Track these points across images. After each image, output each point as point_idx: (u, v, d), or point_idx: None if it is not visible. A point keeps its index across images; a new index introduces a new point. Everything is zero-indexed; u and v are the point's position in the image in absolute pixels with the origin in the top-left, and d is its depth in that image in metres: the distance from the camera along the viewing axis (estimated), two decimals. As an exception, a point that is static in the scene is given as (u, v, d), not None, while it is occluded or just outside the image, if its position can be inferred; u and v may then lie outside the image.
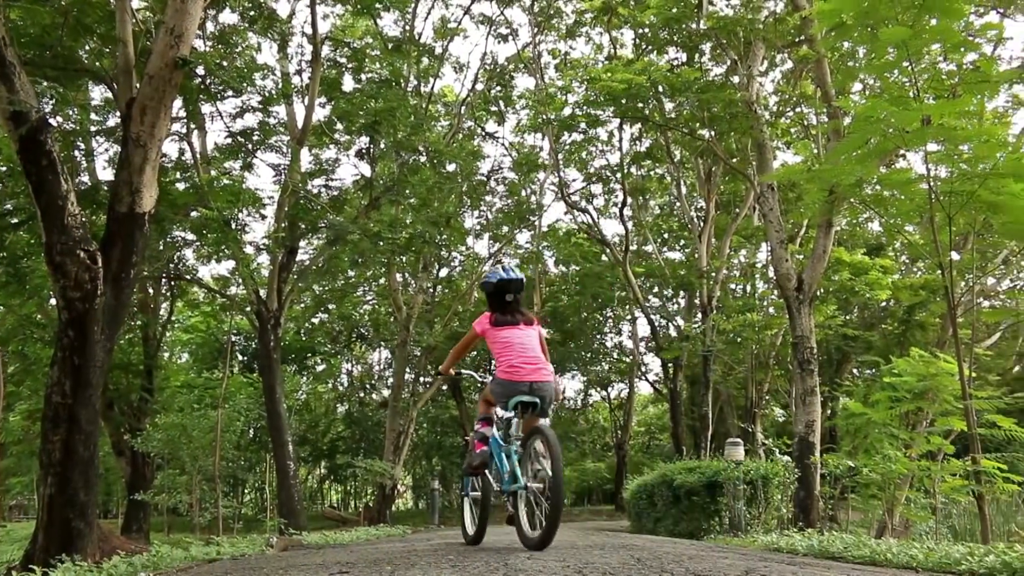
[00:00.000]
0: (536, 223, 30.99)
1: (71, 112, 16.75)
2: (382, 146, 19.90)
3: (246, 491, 35.76)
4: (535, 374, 5.99)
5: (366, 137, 20.04)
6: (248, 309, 20.37)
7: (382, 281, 29.02)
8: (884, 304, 29.17)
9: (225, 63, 16.15)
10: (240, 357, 34.29)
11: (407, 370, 27.57)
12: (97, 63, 14.37)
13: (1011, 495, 10.88)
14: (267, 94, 17.88)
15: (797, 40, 17.81)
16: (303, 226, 19.84)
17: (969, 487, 8.68)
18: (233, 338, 29.96)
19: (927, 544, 6.19)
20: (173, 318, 27.82)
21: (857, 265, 23.96)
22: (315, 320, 34.37)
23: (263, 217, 20.01)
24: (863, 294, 24.17)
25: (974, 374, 11.17)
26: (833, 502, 13.54)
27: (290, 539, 9.90)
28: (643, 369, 34.79)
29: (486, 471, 6.25)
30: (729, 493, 11.29)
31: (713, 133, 19.87)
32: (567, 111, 23.44)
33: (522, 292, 6.58)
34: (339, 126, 20.84)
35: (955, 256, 11.55)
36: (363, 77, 21.09)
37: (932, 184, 6.91)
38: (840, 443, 14.30)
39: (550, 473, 5.20)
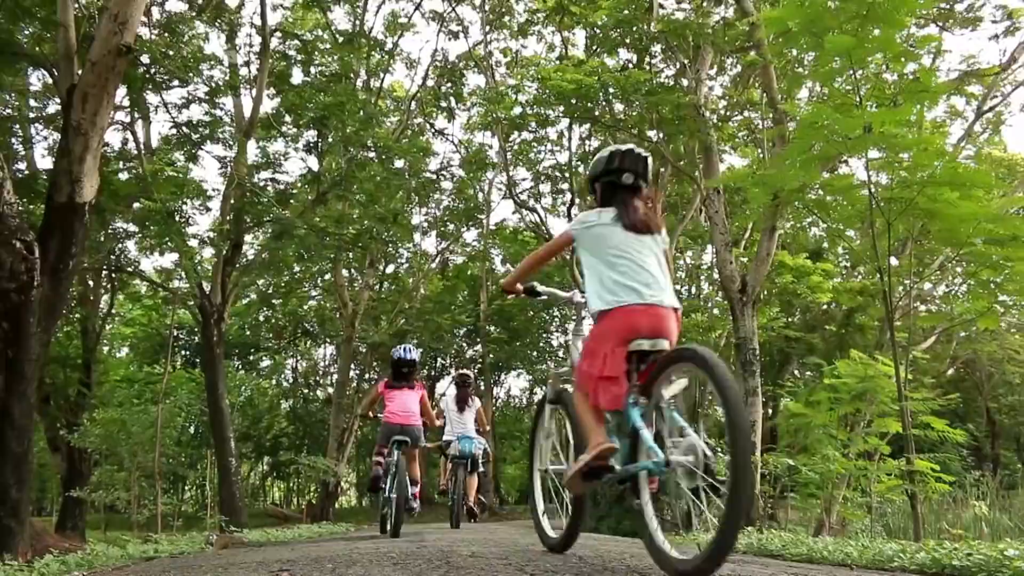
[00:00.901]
0: (484, 221, 31.00)
1: (8, 97, 16.35)
2: (331, 140, 19.74)
3: (187, 488, 35.17)
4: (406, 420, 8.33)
5: (314, 131, 19.87)
6: (191, 303, 20.05)
7: (328, 277, 28.77)
8: (825, 307, 29.75)
9: (171, 52, 15.90)
10: (183, 352, 33.76)
11: (352, 367, 27.41)
12: (37, 48, 14.03)
13: (942, 494, 11.17)
14: (214, 85, 17.64)
15: (745, 46, 18.05)
16: (249, 220, 19.61)
17: (903, 487, 8.89)
18: (175, 332, 29.47)
19: (862, 542, 6.33)
20: (113, 311, 27.25)
21: (799, 268, 24.38)
22: (260, 315, 33.94)
23: (208, 210, 19.78)
24: (805, 297, 24.62)
25: (910, 376, 11.42)
26: (773, 501, 13.76)
27: (231, 537, 9.77)
28: (588, 368, 34.90)
29: None
30: (671, 492, 11.38)
31: (661, 135, 20.03)
32: (517, 110, 23.46)
33: (415, 366, 8.96)
34: (287, 119, 20.62)
35: (894, 261, 11.81)
36: (312, 70, 20.92)
37: (873, 190, 7.05)
38: (781, 443, 14.54)
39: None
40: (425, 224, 29.04)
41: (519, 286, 4.86)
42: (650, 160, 4.44)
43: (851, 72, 6.75)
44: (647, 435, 3.64)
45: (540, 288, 4.96)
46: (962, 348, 30.89)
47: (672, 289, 4.12)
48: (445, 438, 10.81)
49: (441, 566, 4.12)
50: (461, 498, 10.27)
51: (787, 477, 11.24)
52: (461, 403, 10.94)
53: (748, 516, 4.70)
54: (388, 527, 8.18)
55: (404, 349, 9.12)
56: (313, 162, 21.05)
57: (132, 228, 18.37)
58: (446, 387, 10.82)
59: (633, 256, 4.06)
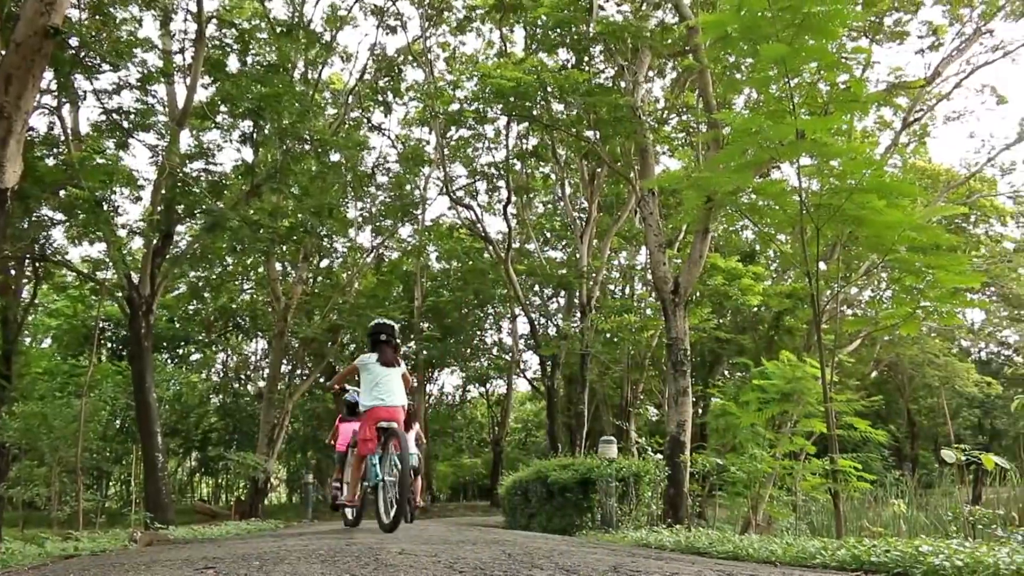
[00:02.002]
0: (420, 217, 30.90)
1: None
2: (266, 132, 19.44)
3: (111, 484, 34.44)
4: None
5: (250, 122, 19.55)
6: (119, 294, 19.57)
7: (261, 270, 28.39)
8: (755, 309, 30.32)
9: (102, 35, 15.49)
10: (109, 344, 32.98)
11: (284, 361, 27.11)
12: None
13: (864, 493, 11.47)
14: (147, 71, 17.23)
15: (683, 50, 18.27)
16: (180, 210, 19.23)
17: (827, 485, 9.10)
18: (102, 324, 28.76)
19: (786, 539, 6.47)
20: (37, 301, 26.48)
21: (731, 271, 24.84)
22: (190, 308, 33.31)
23: (138, 199, 19.33)
24: (736, 299, 25.07)
25: (836, 378, 11.72)
26: (701, 499, 13.98)
27: (156, 534, 9.57)
28: (522, 366, 35.11)
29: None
30: (602, 490, 11.48)
31: (598, 136, 20.19)
32: (455, 106, 23.42)
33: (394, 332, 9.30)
34: (222, 109, 20.26)
35: (822, 266, 12.08)
36: (249, 60, 20.58)
37: (803, 196, 7.20)
38: (710, 442, 14.77)
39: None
40: (360, 219, 28.80)
41: (337, 387, 9.76)
42: (395, 326, 8.62)
43: (785, 80, 6.88)
44: (376, 467, 7.90)
45: (348, 388, 9.78)
46: (885, 351, 31.83)
47: (403, 395, 8.13)
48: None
49: (370, 563, 4.10)
50: (410, 498, 10.96)
51: (715, 476, 11.42)
52: (407, 425, 10.86)
53: (412, 505, 9.86)
54: (354, 517, 8.90)
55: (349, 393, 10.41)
56: (248, 153, 20.74)
57: (58, 216, 17.86)
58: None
59: (383, 380, 8.03)
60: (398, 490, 7.27)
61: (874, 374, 33.21)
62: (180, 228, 21.17)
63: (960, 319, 29.50)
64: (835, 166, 7.25)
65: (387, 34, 26.42)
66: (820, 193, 7.23)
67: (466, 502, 39.08)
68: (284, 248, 23.38)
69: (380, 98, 26.46)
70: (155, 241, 18.80)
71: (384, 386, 7.96)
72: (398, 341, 8.64)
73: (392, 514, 7.40)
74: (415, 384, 10.77)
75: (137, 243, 20.98)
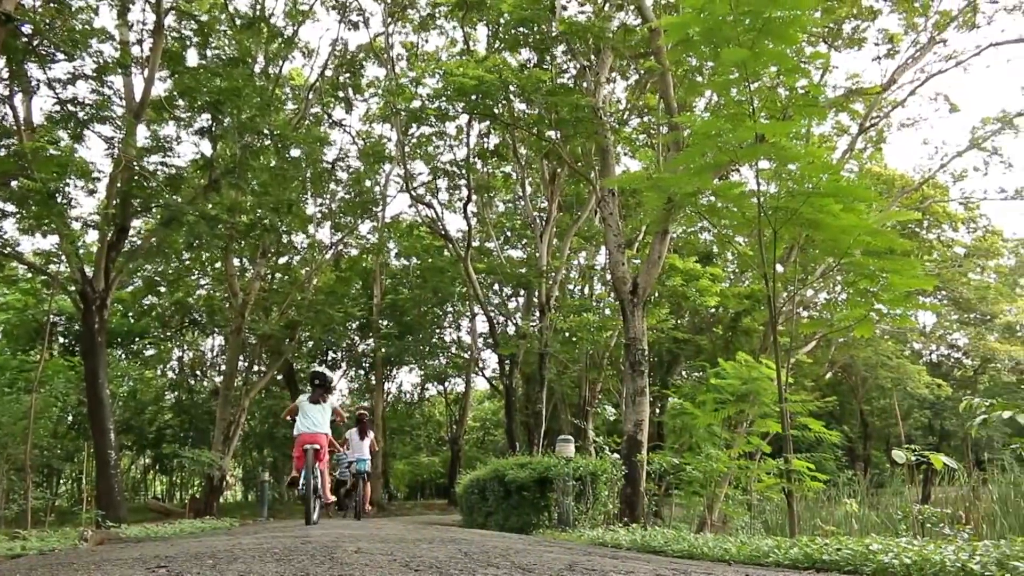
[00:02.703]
0: (379, 214, 30.75)
1: None
2: (225, 126, 19.22)
3: (62, 482, 33.85)
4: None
5: (208, 115, 19.32)
6: (72, 288, 19.22)
7: (218, 265, 28.07)
8: (713, 310, 30.61)
9: (57, 23, 15.21)
10: (61, 339, 32.39)
11: (241, 358, 26.84)
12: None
13: (817, 492, 11.63)
14: (103, 62, 16.95)
15: (644, 52, 18.37)
16: (136, 204, 18.94)
17: (781, 485, 9.21)
18: (54, 318, 28.26)
19: (741, 538, 6.54)
20: (-15, 294, 25.96)
21: (689, 272, 25.05)
22: (146, 302, 32.83)
23: (93, 192, 19.00)
24: (694, 300, 25.28)
25: (791, 379, 11.86)
26: (658, 498, 14.07)
27: (107, 532, 9.46)
28: (480, 365, 35.10)
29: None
30: (559, 489, 11.53)
31: (559, 135, 20.24)
32: (417, 103, 23.34)
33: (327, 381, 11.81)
34: (180, 102, 19.98)
35: (779, 268, 12.22)
36: (209, 53, 20.33)
37: (762, 199, 7.28)
38: (667, 441, 14.86)
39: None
40: (319, 215, 28.61)
41: (286, 417, 11.73)
42: (327, 372, 12.03)
43: (746, 84, 6.94)
44: (304, 477, 10.61)
45: (298, 420, 11.05)
46: (840, 353, 32.28)
47: (326, 425, 10.92)
48: (349, 458, 15.16)
49: (324, 562, 4.08)
50: (362, 499, 14.94)
51: (672, 475, 11.52)
52: (361, 434, 15.34)
53: (320, 504, 11.10)
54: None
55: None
56: (206, 147, 20.49)
57: (9, 208, 17.49)
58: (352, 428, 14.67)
59: (310, 413, 10.85)
60: (317, 493, 10.71)
61: (829, 375, 33.66)
62: (136, 222, 20.86)
63: (912, 322, 30.00)
64: (793, 170, 7.33)
65: (350, 30, 26.19)
66: (778, 196, 7.31)
67: (424, 500, 39.01)
68: (242, 244, 23.13)
69: (341, 94, 26.29)
70: (110, 235, 18.49)
71: (310, 418, 10.91)
72: (332, 385, 12.38)
73: (316, 510, 10.66)
74: (345, 415, 13.22)
75: (92, 236, 20.62)
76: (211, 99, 18.19)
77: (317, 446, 10.69)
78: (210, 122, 19.49)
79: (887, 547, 4.52)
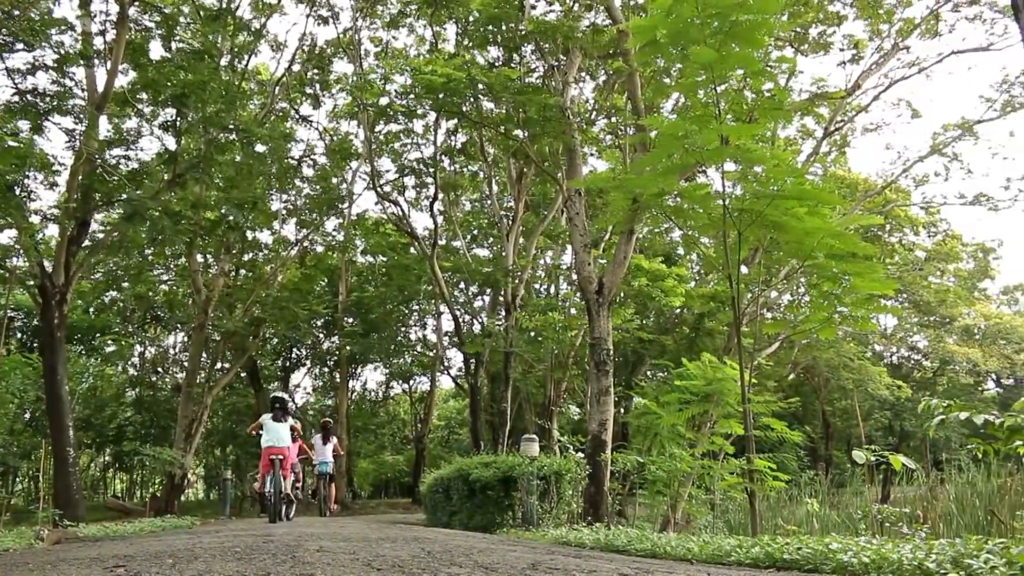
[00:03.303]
0: (346, 211, 30.58)
1: None
2: (190, 120, 18.99)
3: (18, 480, 33.31)
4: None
5: (173, 109, 19.08)
6: (31, 283, 18.89)
7: (182, 260, 27.74)
8: (677, 310, 30.80)
9: (17, 12, 14.94)
10: (19, 335, 31.88)
11: (204, 355, 26.56)
12: None
13: (779, 492, 11.74)
14: (64, 53, 16.69)
15: (612, 52, 18.43)
16: (98, 198, 18.67)
17: (743, 485, 9.29)
18: (11, 314, 27.77)
19: (704, 537, 6.59)
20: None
21: (655, 272, 25.19)
22: (107, 298, 32.37)
23: (54, 185, 18.71)
24: (659, 300, 25.42)
25: (755, 380, 11.97)
26: (622, 497, 14.13)
27: (64, 531, 9.32)
28: (445, 363, 35.04)
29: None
30: (523, 488, 11.54)
31: (526, 134, 20.24)
32: (384, 100, 23.22)
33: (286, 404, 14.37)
34: (144, 95, 19.72)
35: (744, 270, 12.31)
36: (173, 46, 20.06)
37: (727, 201, 7.33)
38: (631, 441, 14.92)
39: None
40: (285, 211, 28.37)
41: (251, 432, 14.61)
42: (286, 396, 14.70)
43: (712, 86, 6.99)
44: (271, 482, 13.15)
45: (264, 435, 13.46)
46: (803, 354, 32.61)
47: (287, 439, 13.55)
48: (313, 462, 17.34)
49: (287, 561, 4.06)
50: (324, 498, 17.33)
51: (636, 474, 11.57)
52: (325, 439, 17.64)
53: (288, 506, 14.12)
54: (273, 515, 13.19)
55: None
56: (170, 141, 20.22)
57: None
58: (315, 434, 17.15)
59: (273, 430, 13.40)
60: (280, 496, 13.14)
61: (792, 376, 34.01)
62: (98, 216, 20.55)
63: (874, 324, 30.37)
64: (758, 172, 7.40)
65: (319, 24, 25.92)
66: (743, 198, 7.37)
67: (388, 499, 38.86)
68: (207, 240, 22.88)
69: (308, 90, 26.09)
70: (71, 229, 18.22)
71: (273, 434, 13.34)
72: (291, 406, 15.47)
73: (280, 511, 13.19)
74: (300, 431, 16.27)
75: (52, 230, 20.30)
76: (175, 92, 17.96)
77: (281, 457, 13.29)
78: (174, 116, 19.26)
79: (846, 546, 4.58)
